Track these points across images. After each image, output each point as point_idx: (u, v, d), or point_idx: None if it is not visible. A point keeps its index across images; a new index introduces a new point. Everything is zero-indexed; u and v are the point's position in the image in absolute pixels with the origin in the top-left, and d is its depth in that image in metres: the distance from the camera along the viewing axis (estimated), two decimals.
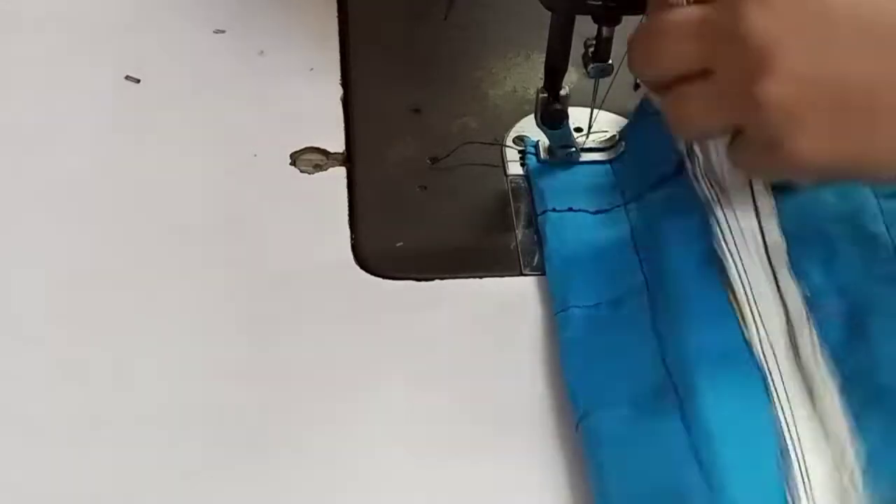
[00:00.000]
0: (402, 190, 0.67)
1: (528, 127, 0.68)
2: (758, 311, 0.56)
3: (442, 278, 0.62)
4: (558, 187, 0.65)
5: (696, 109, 0.53)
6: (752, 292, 0.57)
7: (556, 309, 0.60)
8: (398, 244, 0.64)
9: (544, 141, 0.66)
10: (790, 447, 0.52)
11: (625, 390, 0.55)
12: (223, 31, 0.76)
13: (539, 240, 0.64)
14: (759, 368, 0.54)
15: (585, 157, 0.66)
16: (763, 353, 0.55)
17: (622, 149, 0.66)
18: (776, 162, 0.52)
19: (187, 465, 0.54)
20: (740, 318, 0.56)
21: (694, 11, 0.52)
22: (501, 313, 0.61)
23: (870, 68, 0.49)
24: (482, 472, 0.54)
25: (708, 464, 0.51)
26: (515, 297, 0.61)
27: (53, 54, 0.74)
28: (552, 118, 0.64)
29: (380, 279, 0.62)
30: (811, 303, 0.57)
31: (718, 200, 0.60)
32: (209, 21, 0.76)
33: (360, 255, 0.63)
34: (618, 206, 0.64)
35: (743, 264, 0.58)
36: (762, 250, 0.59)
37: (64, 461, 0.54)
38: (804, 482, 0.51)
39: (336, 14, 0.77)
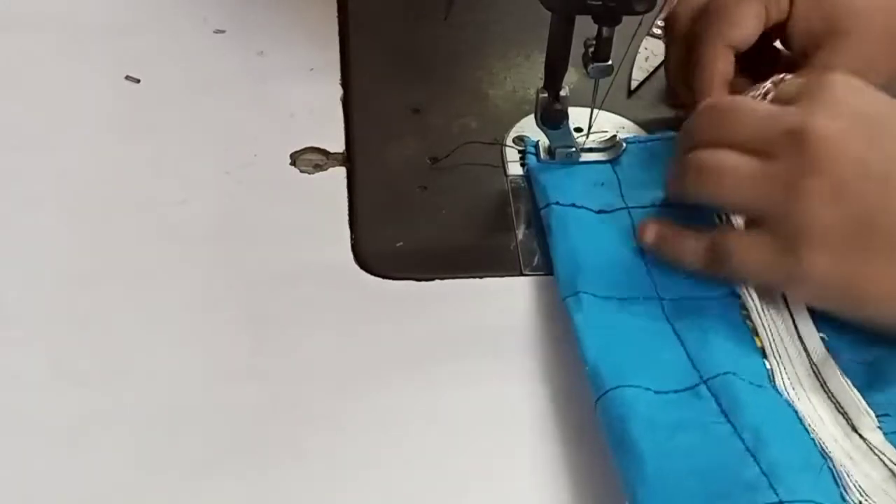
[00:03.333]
0: (402, 190, 0.67)
1: (528, 127, 0.68)
2: (782, 347, 0.57)
3: (442, 278, 0.62)
4: (560, 184, 0.64)
5: (734, 180, 0.56)
6: (775, 334, 0.58)
7: (564, 293, 0.59)
8: (398, 244, 0.64)
9: (544, 141, 0.66)
10: (833, 457, 0.52)
11: (648, 377, 0.55)
12: (223, 31, 0.76)
13: (540, 235, 0.63)
14: (785, 390, 0.55)
15: (585, 157, 0.66)
16: (787, 378, 0.56)
17: (623, 149, 0.66)
18: (783, 265, 0.55)
19: (187, 465, 0.54)
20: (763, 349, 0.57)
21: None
22: (501, 313, 0.60)
23: None
24: (482, 472, 0.54)
25: (766, 463, 0.51)
26: (515, 297, 0.61)
27: (53, 54, 0.74)
28: (552, 118, 0.64)
29: (380, 279, 0.62)
30: (829, 349, 0.57)
31: None
32: (209, 21, 0.76)
33: (360, 255, 0.63)
34: (620, 209, 0.64)
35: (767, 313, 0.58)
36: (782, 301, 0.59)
37: (63, 461, 0.54)
38: (857, 487, 0.51)
39: (336, 14, 0.78)
